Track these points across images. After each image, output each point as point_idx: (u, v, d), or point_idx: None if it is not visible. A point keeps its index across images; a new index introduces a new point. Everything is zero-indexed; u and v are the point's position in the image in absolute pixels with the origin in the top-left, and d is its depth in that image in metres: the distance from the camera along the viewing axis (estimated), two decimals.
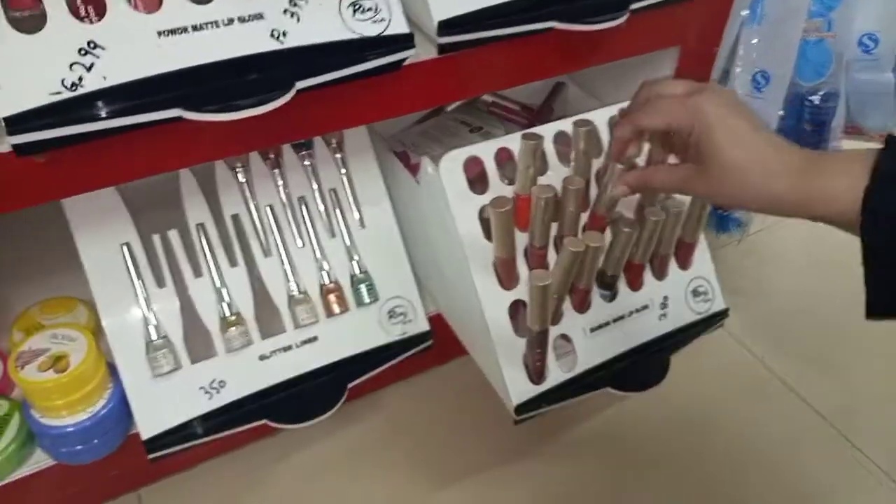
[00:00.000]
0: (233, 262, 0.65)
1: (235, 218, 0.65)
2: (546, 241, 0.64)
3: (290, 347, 0.67)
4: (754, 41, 0.78)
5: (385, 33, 0.50)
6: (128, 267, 0.61)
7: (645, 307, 0.71)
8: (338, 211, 0.69)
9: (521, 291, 0.64)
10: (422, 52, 0.53)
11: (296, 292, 0.67)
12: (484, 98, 0.92)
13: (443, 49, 0.54)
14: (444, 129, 0.88)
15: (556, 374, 0.66)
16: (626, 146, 0.54)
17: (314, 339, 0.68)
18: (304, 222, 0.68)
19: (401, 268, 0.72)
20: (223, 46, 0.46)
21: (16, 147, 0.42)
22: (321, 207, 0.68)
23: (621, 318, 0.69)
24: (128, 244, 0.61)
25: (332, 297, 0.68)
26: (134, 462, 0.64)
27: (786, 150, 0.46)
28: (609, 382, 0.68)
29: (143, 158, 0.48)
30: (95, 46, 0.42)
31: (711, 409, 0.86)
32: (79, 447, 0.60)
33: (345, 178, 0.69)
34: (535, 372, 0.65)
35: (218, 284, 0.64)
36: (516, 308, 0.65)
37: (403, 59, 0.51)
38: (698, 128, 0.48)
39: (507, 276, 0.64)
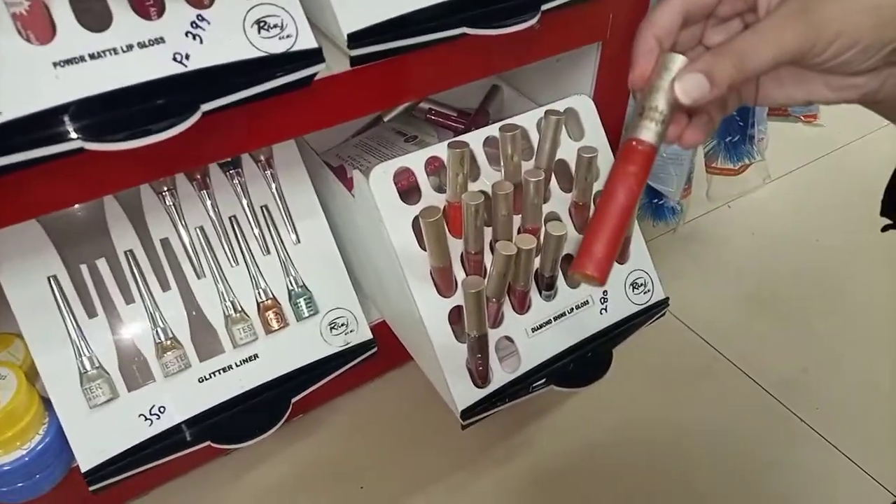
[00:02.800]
0: (165, 287, 0.64)
1: (165, 242, 0.64)
2: (481, 247, 0.64)
3: (230, 367, 0.66)
4: None
5: (293, 49, 0.50)
6: (56, 300, 0.60)
7: (585, 303, 0.71)
8: (271, 227, 0.69)
9: (460, 297, 0.65)
10: (335, 65, 0.53)
11: (232, 312, 0.66)
12: (421, 105, 0.92)
13: (355, 61, 0.53)
14: (380, 140, 0.88)
15: (501, 376, 0.67)
16: (649, 65, 0.39)
17: (255, 356, 0.67)
18: (237, 241, 0.67)
19: (339, 280, 0.72)
20: (123, 73, 0.45)
21: None
22: (253, 225, 0.68)
23: (562, 315, 0.70)
24: (55, 277, 0.60)
25: (270, 314, 0.68)
26: (78, 496, 0.64)
27: None
28: (553, 380, 0.69)
29: (52, 191, 0.48)
30: None
31: (662, 393, 0.88)
32: (20, 484, 0.60)
33: (276, 194, 0.69)
34: (479, 376, 0.66)
35: (151, 310, 0.63)
36: (459, 314, 0.65)
37: (314, 75, 0.51)
38: None
39: (444, 284, 0.65)
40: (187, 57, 0.47)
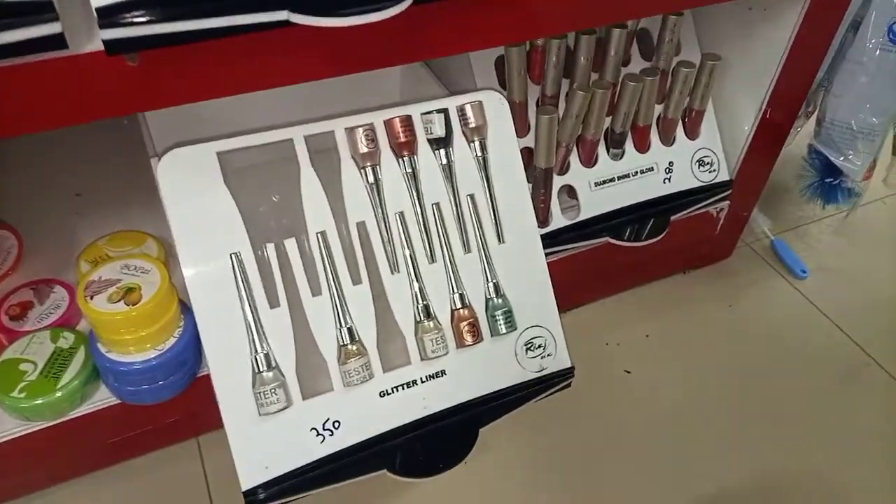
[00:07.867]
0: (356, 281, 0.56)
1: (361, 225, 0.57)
2: (557, 91, 0.67)
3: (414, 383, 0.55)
4: None
5: None
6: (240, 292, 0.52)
7: (650, 169, 0.72)
8: (475, 221, 0.59)
9: (530, 140, 0.66)
10: None
11: (424, 318, 0.57)
12: None
13: None
14: None
15: (560, 221, 0.69)
16: None
17: (442, 373, 0.57)
18: (438, 234, 0.58)
19: (542, 291, 0.61)
20: None
21: (107, 43, 0.37)
22: (456, 216, 0.59)
23: (626, 176, 0.71)
24: (237, 254, 0.53)
25: (464, 325, 0.57)
26: (197, 407, 0.55)
27: None
28: (609, 233, 0.70)
29: (243, 70, 0.43)
30: None
31: (802, 395, 0.76)
32: (144, 387, 0.54)
33: (485, 183, 0.59)
34: (541, 214, 0.68)
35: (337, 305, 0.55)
36: (529, 155, 0.66)
37: None
38: None
39: (520, 121, 0.66)
40: None
